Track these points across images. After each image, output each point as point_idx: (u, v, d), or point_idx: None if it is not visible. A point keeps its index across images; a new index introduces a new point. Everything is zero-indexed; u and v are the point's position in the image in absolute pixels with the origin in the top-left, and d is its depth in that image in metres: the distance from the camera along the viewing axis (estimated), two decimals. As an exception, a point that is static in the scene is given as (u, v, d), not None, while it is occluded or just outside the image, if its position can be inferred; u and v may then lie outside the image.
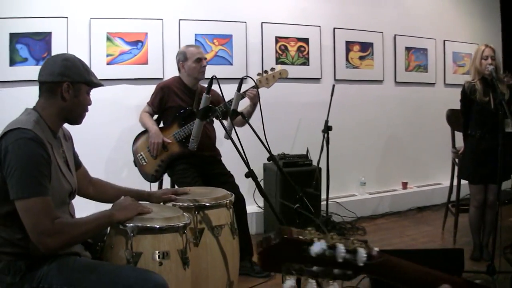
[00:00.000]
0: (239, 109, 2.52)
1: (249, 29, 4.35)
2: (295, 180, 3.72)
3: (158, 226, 1.78)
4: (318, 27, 4.63)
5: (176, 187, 3.14)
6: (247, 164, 1.89)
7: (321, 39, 4.65)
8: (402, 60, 5.14)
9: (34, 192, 1.52)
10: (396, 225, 4.45)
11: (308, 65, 4.60)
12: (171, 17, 4.08)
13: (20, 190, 1.51)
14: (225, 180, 3.09)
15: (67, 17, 3.79)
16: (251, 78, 2.22)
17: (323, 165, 3.90)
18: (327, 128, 3.86)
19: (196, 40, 4.14)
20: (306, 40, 4.58)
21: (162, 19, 4.04)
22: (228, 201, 2.23)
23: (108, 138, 3.80)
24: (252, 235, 3.85)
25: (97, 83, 1.81)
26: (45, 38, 3.72)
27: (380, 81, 5.02)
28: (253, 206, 4.07)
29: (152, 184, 3.22)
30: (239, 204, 2.86)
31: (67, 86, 1.70)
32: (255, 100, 3.03)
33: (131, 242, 1.73)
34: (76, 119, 1.82)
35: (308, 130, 4.27)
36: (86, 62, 3.68)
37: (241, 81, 2.27)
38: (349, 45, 4.80)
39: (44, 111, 1.71)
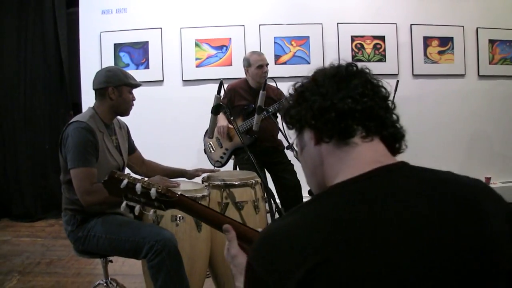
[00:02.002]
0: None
1: (325, 30, 4.56)
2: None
3: None
4: (394, 25, 4.70)
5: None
6: (286, 138, 2.24)
7: (397, 36, 4.71)
8: (485, 53, 4.99)
9: (81, 164, 2.06)
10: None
11: (385, 61, 4.68)
12: (252, 23, 4.46)
13: (72, 162, 2.06)
14: (284, 167, 3.43)
15: (161, 28, 4.33)
16: (274, 79, 2.76)
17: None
18: None
19: (275, 42, 4.46)
20: (382, 38, 4.68)
21: (243, 25, 4.43)
22: (253, 181, 2.50)
23: (199, 132, 4.19)
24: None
25: (135, 84, 2.29)
26: (143, 46, 4.29)
27: (461, 75, 4.93)
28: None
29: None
30: (294, 189, 3.31)
31: (111, 90, 2.21)
32: None
33: None
34: (124, 112, 2.32)
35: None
36: (178, 65, 4.34)
37: (265, 81, 2.64)
38: (427, 40, 4.80)
39: (99, 109, 2.26)
